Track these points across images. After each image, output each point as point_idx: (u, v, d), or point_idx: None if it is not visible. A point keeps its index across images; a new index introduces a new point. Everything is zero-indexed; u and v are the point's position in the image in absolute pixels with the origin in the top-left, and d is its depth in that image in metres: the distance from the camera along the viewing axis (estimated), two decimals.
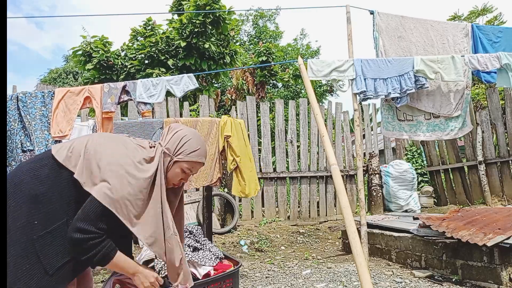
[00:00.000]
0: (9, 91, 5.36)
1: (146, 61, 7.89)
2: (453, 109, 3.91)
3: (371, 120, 7.93)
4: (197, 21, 7.43)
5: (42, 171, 1.56)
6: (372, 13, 3.81)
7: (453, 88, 3.90)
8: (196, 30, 7.46)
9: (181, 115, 6.33)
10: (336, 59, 3.39)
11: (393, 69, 3.37)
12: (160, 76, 7.24)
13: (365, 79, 3.34)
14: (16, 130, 3.02)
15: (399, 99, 3.43)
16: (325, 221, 6.63)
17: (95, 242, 1.47)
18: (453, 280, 3.29)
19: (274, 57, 9.35)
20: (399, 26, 3.84)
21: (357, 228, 2.45)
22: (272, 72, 9.78)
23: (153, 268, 3.14)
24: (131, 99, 3.06)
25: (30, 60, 55.80)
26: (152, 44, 7.69)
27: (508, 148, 6.42)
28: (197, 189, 5.44)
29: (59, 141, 3.06)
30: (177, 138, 1.72)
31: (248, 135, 6.28)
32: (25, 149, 3.07)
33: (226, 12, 7.75)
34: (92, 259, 1.48)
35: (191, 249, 3.14)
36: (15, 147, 2.98)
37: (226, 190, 5.92)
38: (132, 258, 1.71)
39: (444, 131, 4.05)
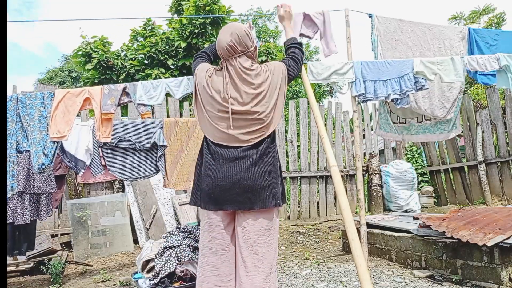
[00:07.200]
0: (9, 92, 5.35)
1: (146, 61, 7.88)
2: (447, 112, 3.98)
3: (371, 119, 7.93)
4: (197, 22, 7.44)
5: None
6: (370, 16, 3.81)
7: (447, 91, 3.95)
8: (196, 30, 7.46)
9: (181, 115, 6.34)
10: (336, 61, 3.38)
11: (393, 71, 3.36)
12: (159, 76, 7.24)
13: (364, 81, 3.33)
14: (13, 131, 3.01)
15: (399, 100, 3.42)
16: (325, 221, 6.64)
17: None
18: (453, 280, 3.30)
19: (273, 57, 9.34)
20: (397, 29, 3.86)
21: (357, 228, 2.45)
22: None
23: (153, 268, 3.14)
24: (131, 101, 3.05)
25: (24, 58, 55.26)
26: (152, 45, 7.68)
27: (508, 148, 6.42)
28: None
29: (57, 142, 3.04)
30: None
31: None
32: (21, 149, 3.06)
33: (225, 12, 7.74)
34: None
35: (191, 249, 3.15)
36: (9, 147, 2.98)
37: None
38: None
39: (434, 134, 4.26)
